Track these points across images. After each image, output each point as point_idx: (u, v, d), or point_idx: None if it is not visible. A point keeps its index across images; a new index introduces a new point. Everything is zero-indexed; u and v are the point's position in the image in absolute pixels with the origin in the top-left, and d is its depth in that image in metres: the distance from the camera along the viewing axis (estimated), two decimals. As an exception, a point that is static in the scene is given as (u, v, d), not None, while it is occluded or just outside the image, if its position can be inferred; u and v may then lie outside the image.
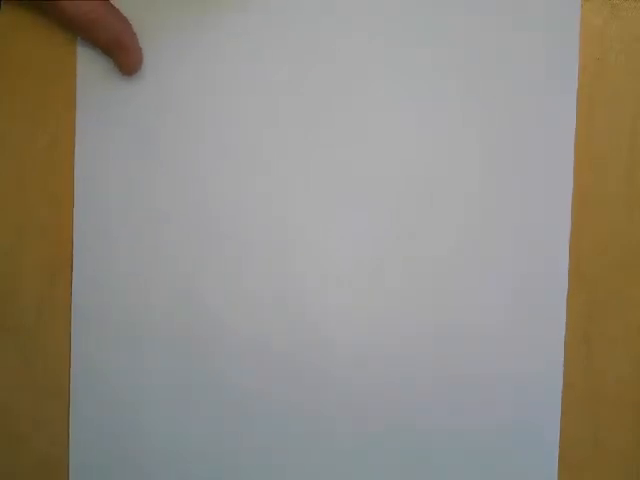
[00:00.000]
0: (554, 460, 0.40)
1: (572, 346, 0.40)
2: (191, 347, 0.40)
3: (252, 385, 0.40)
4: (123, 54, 0.38)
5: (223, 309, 0.40)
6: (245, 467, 0.40)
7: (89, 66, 0.40)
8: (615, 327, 0.40)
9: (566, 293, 0.40)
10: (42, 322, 0.40)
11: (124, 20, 0.38)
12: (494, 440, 0.40)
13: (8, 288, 0.40)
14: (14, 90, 0.41)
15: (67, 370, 0.40)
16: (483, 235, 0.40)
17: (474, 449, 0.40)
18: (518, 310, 0.40)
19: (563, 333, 0.40)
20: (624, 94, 0.39)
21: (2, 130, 0.40)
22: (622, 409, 0.40)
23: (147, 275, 0.40)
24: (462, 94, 0.39)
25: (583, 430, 0.40)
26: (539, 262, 0.40)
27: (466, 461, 0.40)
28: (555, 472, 0.40)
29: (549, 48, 0.39)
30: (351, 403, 0.40)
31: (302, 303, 0.40)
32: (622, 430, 0.40)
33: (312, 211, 0.40)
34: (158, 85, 0.40)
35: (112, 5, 0.38)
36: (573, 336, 0.40)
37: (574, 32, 0.39)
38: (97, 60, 0.40)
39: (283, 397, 0.40)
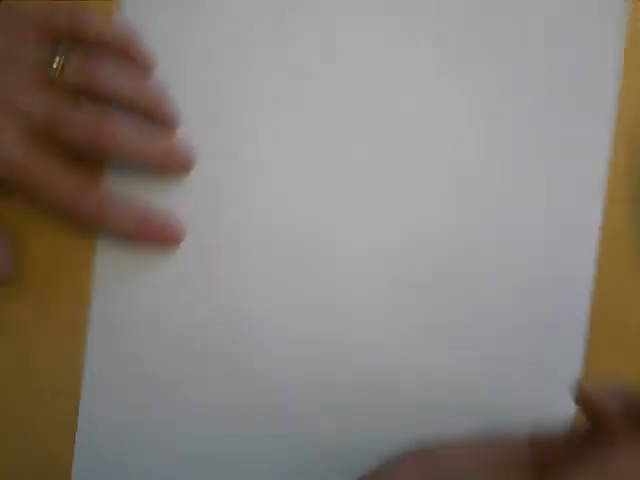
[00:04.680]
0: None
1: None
2: (204, 347, 0.39)
3: (267, 388, 0.39)
4: None
5: (237, 306, 0.39)
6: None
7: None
8: (615, 326, 0.40)
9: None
10: (42, 322, 0.39)
11: None
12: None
13: (8, 288, 0.39)
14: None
15: (67, 370, 0.39)
16: (510, 226, 0.40)
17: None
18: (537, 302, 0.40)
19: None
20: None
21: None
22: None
23: (149, 274, 0.39)
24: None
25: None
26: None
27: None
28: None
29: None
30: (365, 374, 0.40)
31: (318, 289, 0.39)
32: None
33: (323, 200, 0.40)
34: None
35: None
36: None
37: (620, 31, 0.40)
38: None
39: (295, 392, 0.39)
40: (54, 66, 0.36)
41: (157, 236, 0.38)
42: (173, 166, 0.39)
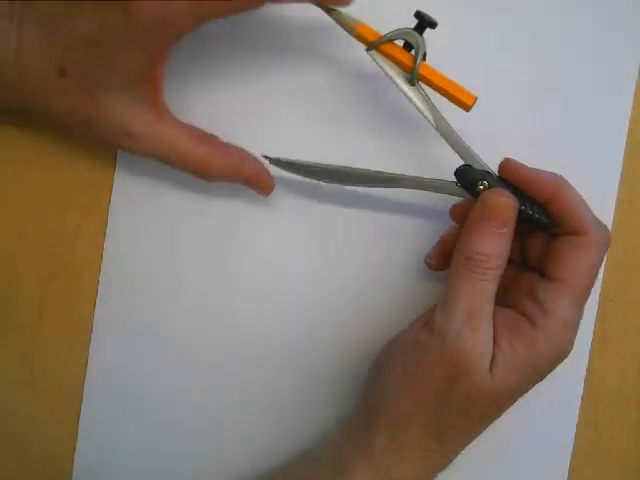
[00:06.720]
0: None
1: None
2: (205, 350, 0.40)
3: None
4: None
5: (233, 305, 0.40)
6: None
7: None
8: (616, 326, 0.40)
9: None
10: (42, 322, 0.39)
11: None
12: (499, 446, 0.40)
13: (8, 288, 0.39)
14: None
15: (67, 370, 0.39)
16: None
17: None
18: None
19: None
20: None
21: (3, 129, 0.39)
22: (622, 410, 0.40)
23: (153, 273, 0.39)
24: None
25: (584, 430, 0.40)
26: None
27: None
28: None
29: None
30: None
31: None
32: (622, 430, 0.40)
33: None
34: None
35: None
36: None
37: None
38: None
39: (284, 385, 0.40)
40: None
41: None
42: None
